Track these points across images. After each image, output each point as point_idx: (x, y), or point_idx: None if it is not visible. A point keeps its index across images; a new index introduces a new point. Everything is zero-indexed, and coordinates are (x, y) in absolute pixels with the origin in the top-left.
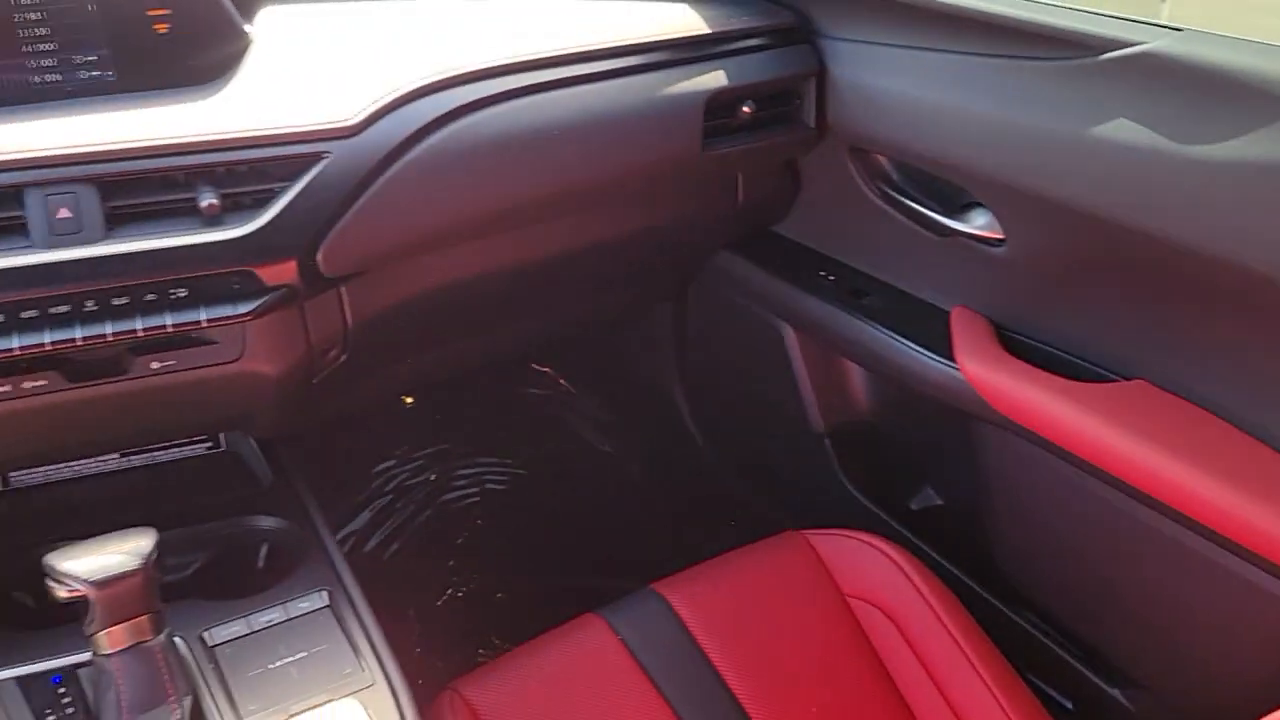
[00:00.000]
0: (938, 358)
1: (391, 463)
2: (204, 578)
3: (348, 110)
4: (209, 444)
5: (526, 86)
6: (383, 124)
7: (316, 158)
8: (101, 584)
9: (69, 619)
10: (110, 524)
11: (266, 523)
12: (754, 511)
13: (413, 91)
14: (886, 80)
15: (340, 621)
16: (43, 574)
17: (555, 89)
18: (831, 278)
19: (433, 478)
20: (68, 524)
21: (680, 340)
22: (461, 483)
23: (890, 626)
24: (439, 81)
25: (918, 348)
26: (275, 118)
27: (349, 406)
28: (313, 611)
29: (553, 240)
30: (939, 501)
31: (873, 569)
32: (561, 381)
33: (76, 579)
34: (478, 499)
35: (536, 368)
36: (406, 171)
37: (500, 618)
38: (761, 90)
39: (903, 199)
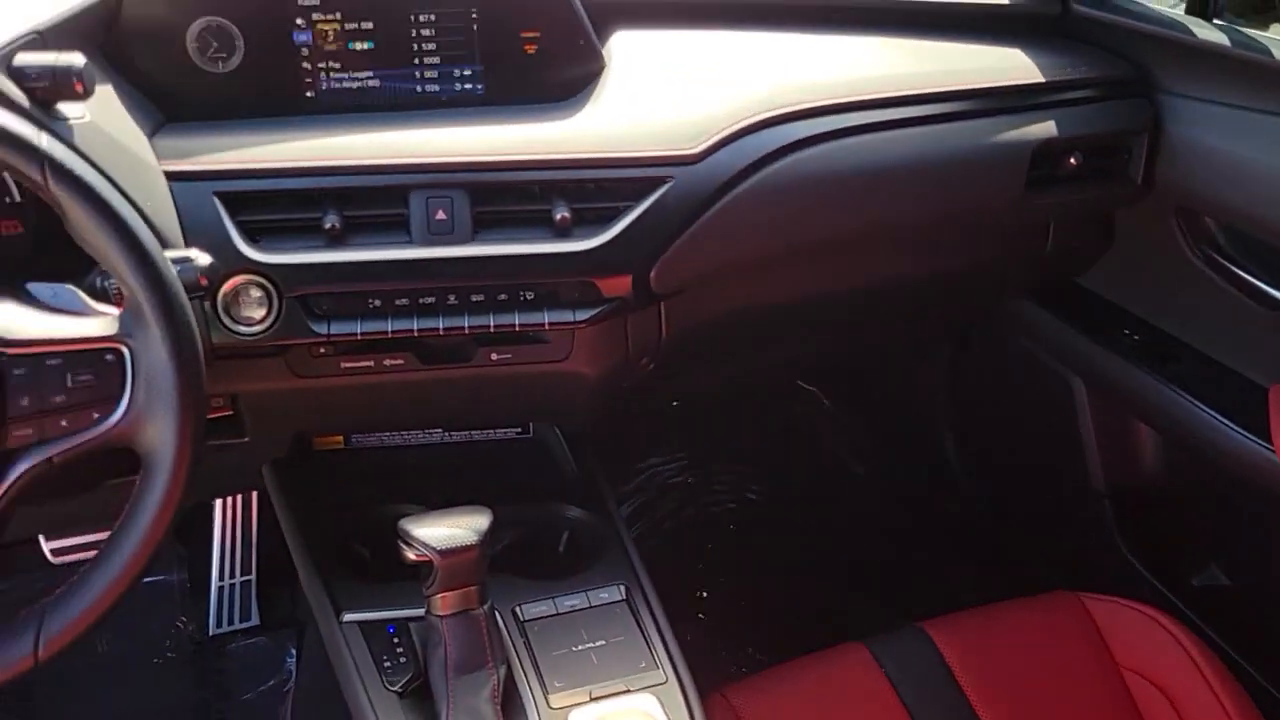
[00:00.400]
0: (1251, 436)
1: (655, 460)
2: (513, 555)
3: (691, 138)
4: (519, 430)
5: (862, 125)
6: (723, 154)
7: (660, 181)
8: (445, 553)
9: (399, 575)
10: (435, 492)
11: (570, 512)
12: (1018, 561)
13: (754, 124)
14: (1230, 143)
15: (635, 615)
16: (395, 535)
17: (890, 129)
18: (1136, 336)
19: (691, 481)
20: (399, 487)
21: (955, 379)
22: (719, 489)
23: (1167, 706)
24: (779, 115)
25: (1229, 423)
26: (625, 141)
27: (644, 409)
28: (611, 603)
29: (859, 272)
30: (1226, 582)
31: (1152, 643)
32: (826, 402)
33: (426, 545)
34: (733, 506)
35: (803, 385)
36: (741, 200)
37: (754, 627)
38: (1091, 142)
39: (1230, 266)
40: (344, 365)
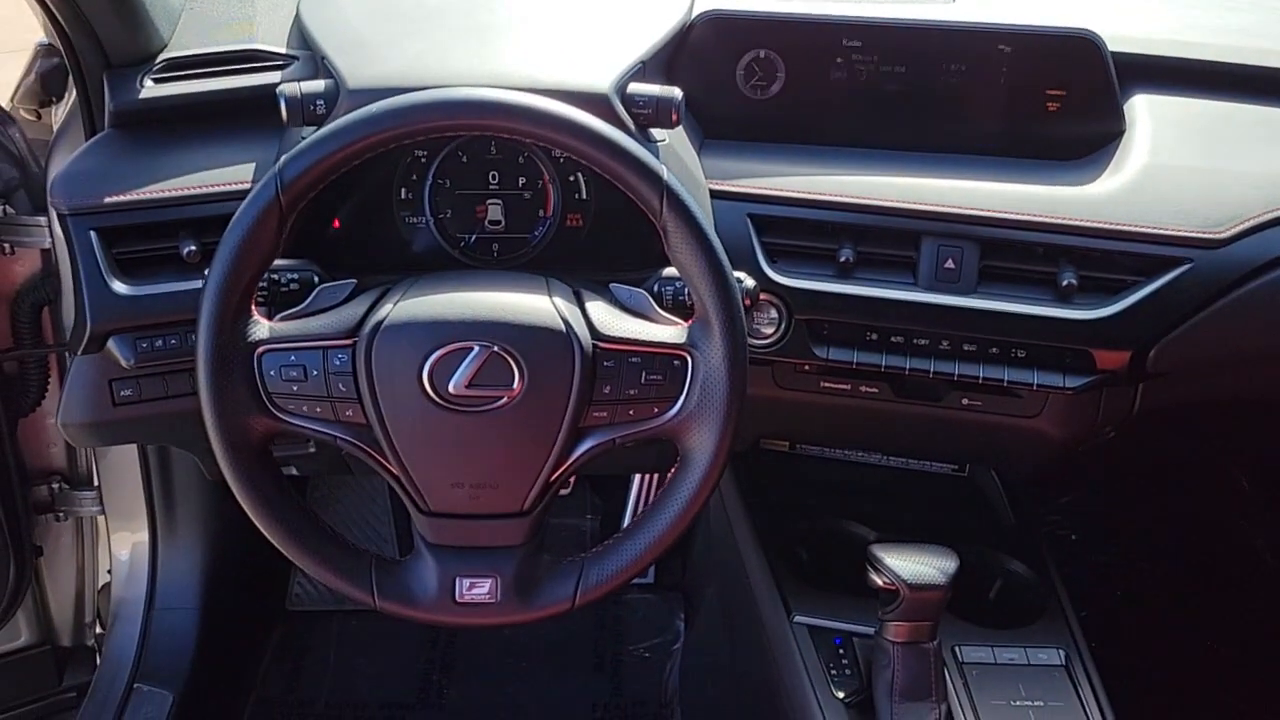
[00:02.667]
0: None
1: (1046, 506)
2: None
3: (1218, 222)
4: (955, 468)
5: None
6: (1250, 242)
7: (1178, 262)
8: (915, 587)
9: (838, 586)
10: (874, 514)
11: (1011, 564)
12: None
13: None
14: None
15: (1074, 684)
16: (842, 546)
17: None
18: None
19: (1075, 538)
20: (839, 500)
21: None
22: (1107, 552)
23: None
24: None
25: None
26: (1144, 215)
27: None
28: (1050, 666)
29: None
30: None
31: None
32: (1245, 485)
33: (897, 576)
34: (1124, 571)
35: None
36: (1261, 292)
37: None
38: None
39: None
40: (823, 385)
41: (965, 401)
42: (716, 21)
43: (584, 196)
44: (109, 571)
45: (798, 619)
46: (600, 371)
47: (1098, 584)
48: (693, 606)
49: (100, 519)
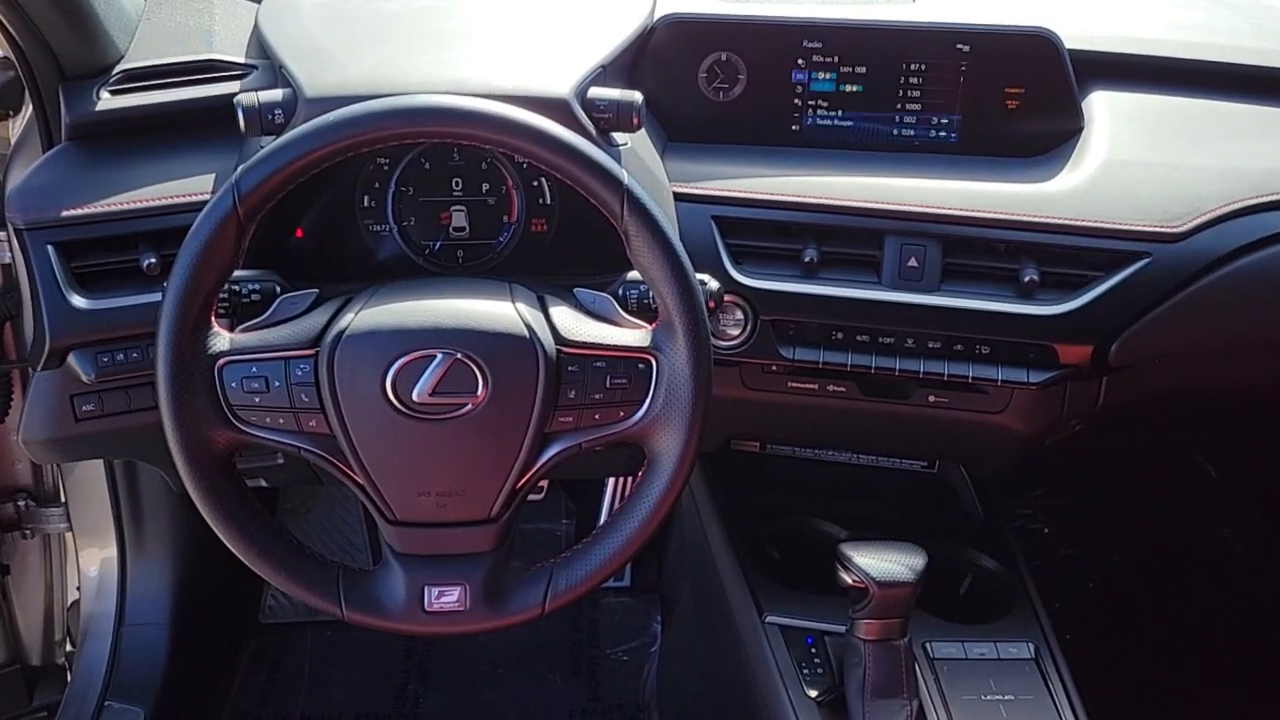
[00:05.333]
0: None
1: (1013, 502)
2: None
3: (1176, 216)
4: (925, 464)
5: None
6: (1208, 235)
7: (1137, 256)
8: (884, 585)
9: (810, 585)
10: (844, 512)
11: (981, 559)
12: None
13: (1245, 208)
14: None
15: (1044, 677)
16: (812, 546)
17: None
18: None
19: (1048, 531)
20: (810, 500)
21: None
22: (1080, 544)
23: None
24: (1271, 202)
25: None
26: (1103, 210)
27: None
28: (1020, 659)
29: None
30: None
31: None
32: (1211, 473)
33: (865, 574)
34: (1094, 564)
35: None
36: (1218, 285)
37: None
38: None
39: None
40: (791, 385)
41: (932, 399)
42: (677, 25)
43: (548, 202)
44: (78, 589)
45: (769, 619)
46: (565, 376)
47: (1069, 576)
48: (669, 609)
49: (68, 536)
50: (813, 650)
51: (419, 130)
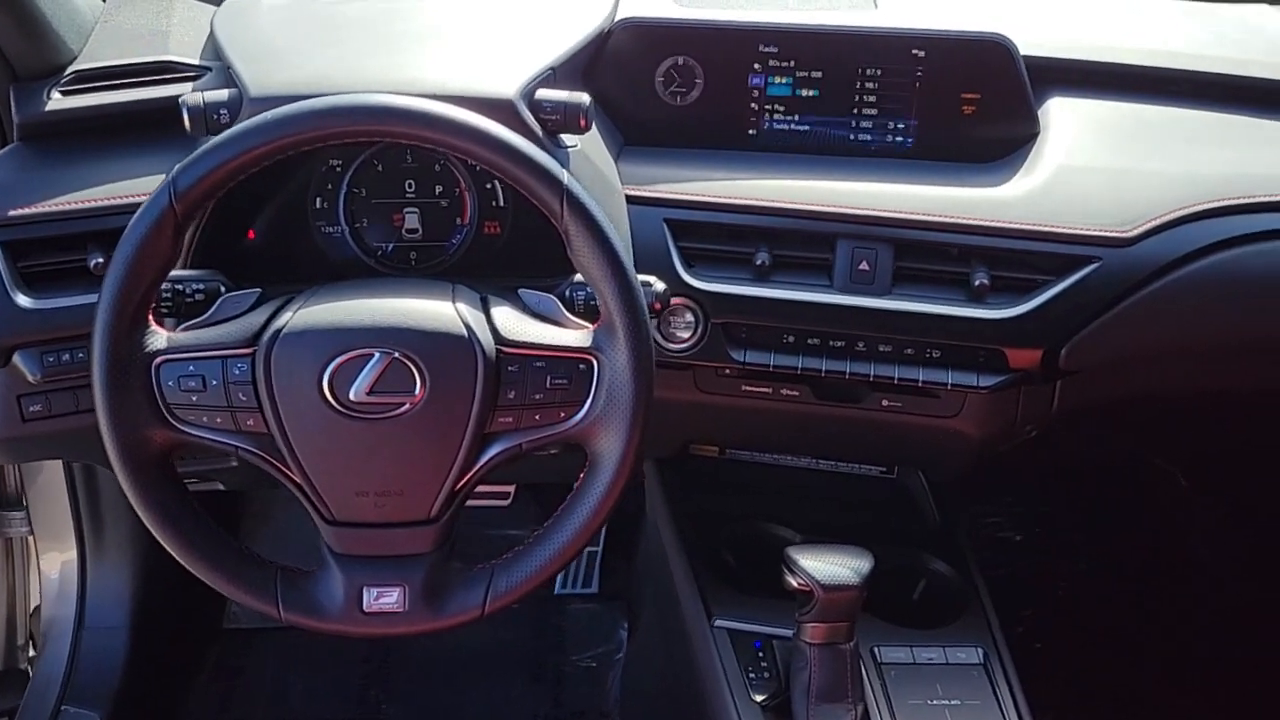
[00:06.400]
0: None
1: (984, 509)
2: (870, 594)
3: (1126, 220)
4: (884, 470)
5: None
6: (1157, 240)
7: (1087, 261)
8: (828, 588)
9: (763, 590)
10: (802, 517)
11: (934, 563)
12: None
13: (1196, 214)
14: None
15: (992, 682)
16: (766, 551)
17: None
18: None
19: (1019, 539)
20: (767, 505)
21: None
22: (1051, 552)
23: None
24: (1225, 207)
25: None
26: (1054, 214)
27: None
28: (969, 665)
29: (1269, 373)
30: None
31: None
32: (1182, 483)
33: (810, 577)
34: (1063, 573)
35: (1160, 464)
36: (1168, 290)
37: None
38: None
39: None
40: (744, 388)
41: (885, 403)
42: (634, 29)
43: (501, 204)
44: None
45: (718, 623)
46: (504, 376)
47: (1039, 584)
48: (636, 616)
49: (31, 539)
50: (760, 654)
51: (358, 129)
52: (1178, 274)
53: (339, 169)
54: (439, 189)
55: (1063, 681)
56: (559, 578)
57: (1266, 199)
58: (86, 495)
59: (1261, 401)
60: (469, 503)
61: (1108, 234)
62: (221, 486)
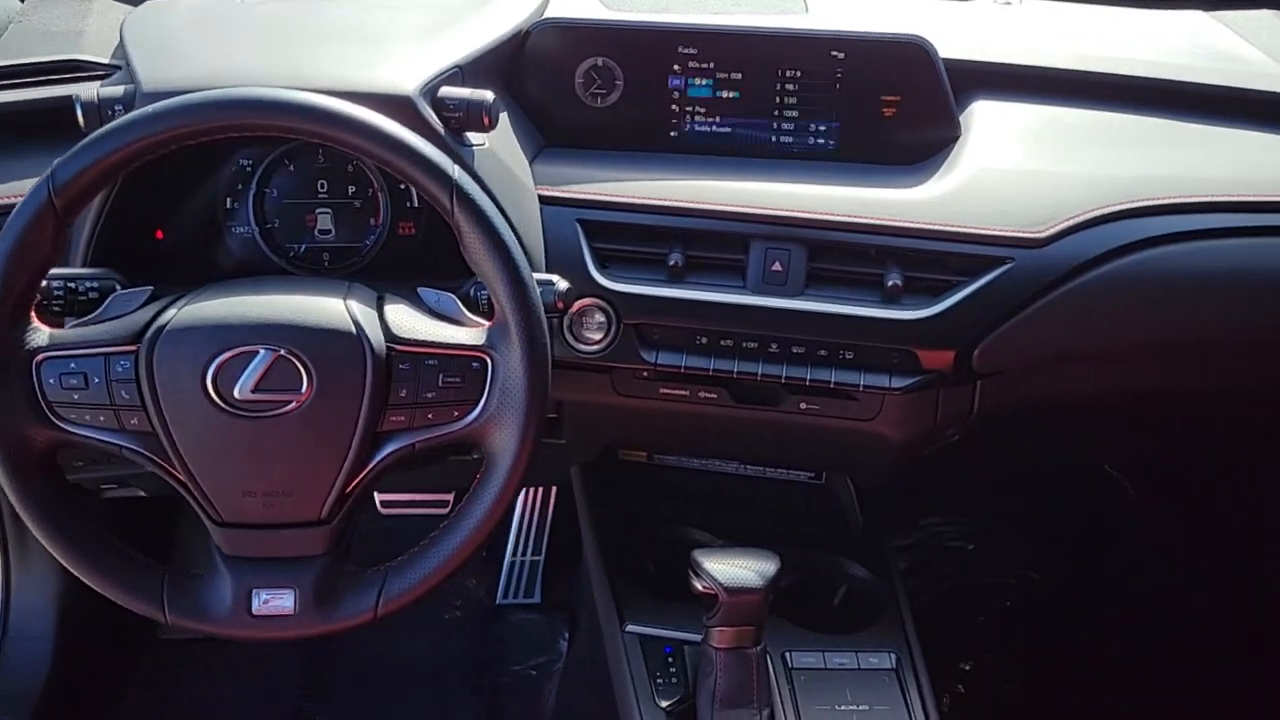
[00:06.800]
0: None
1: (936, 519)
2: (788, 599)
3: (1039, 221)
4: (812, 475)
5: (1234, 229)
6: (1070, 241)
7: (1000, 261)
8: (732, 591)
9: (680, 596)
10: (725, 522)
11: (854, 569)
12: None
13: (1109, 214)
14: None
15: (903, 688)
16: (684, 558)
17: (1259, 235)
18: None
19: (972, 548)
20: (692, 510)
21: None
22: (1001, 562)
23: None
24: (1139, 208)
25: None
26: (968, 215)
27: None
28: (880, 670)
29: (1197, 376)
30: None
31: None
32: (1131, 492)
33: (714, 580)
34: (1013, 583)
35: (1109, 471)
36: (1082, 290)
37: (1013, 710)
38: None
39: None
40: (662, 391)
41: (803, 405)
42: (552, 30)
43: (415, 204)
44: None
45: (629, 628)
46: (395, 374)
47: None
48: (577, 625)
49: None
50: (669, 660)
51: (243, 123)
52: (1091, 275)
53: (249, 168)
54: (352, 189)
55: (980, 691)
56: (500, 587)
57: (1181, 200)
58: (8, 503)
59: (1201, 406)
60: (406, 511)
61: (1021, 234)
62: (142, 493)
